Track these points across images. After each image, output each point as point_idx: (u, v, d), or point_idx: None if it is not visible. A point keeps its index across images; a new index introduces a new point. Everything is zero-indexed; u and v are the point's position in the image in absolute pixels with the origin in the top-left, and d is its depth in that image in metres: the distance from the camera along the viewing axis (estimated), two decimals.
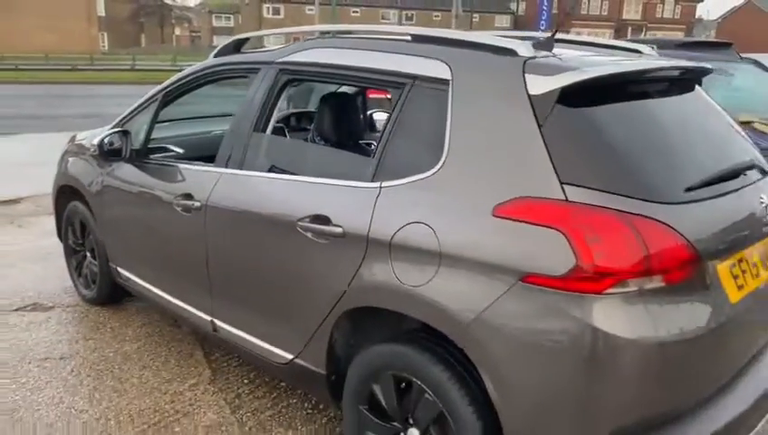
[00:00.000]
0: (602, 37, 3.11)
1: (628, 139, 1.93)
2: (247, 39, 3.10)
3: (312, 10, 59.67)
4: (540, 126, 1.86)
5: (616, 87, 2.00)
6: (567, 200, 1.76)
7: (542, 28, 19.05)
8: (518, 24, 77.46)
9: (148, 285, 3.31)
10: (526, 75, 1.93)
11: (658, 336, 1.70)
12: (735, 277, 1.97)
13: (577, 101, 1.88)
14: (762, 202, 2.07)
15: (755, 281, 2.05)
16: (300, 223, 2.31)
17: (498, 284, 1.80)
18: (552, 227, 1.74)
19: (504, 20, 73.18)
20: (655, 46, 2.92)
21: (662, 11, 73.91)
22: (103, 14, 58.23)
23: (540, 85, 1.89)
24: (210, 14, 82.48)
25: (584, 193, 1.77)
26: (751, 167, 2.17)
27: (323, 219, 2.24)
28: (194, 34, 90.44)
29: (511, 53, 2.03)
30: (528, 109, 1.88)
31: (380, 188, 2.14)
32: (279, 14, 61.37)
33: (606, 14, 71.60)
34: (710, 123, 2.34)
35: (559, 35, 2.33)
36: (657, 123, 2.08)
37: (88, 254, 3.90)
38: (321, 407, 2.88)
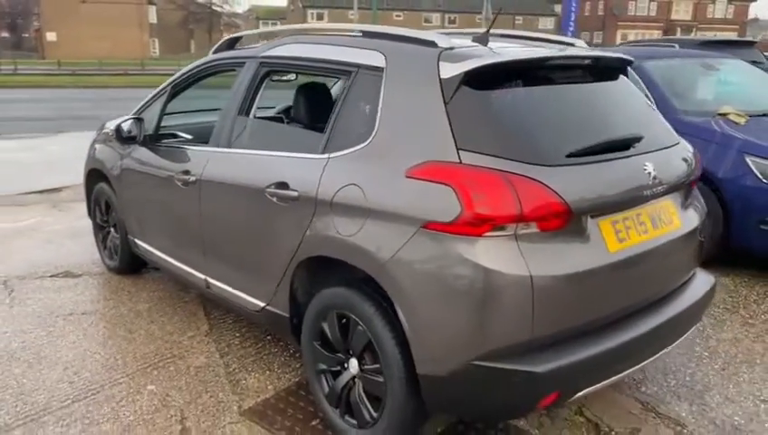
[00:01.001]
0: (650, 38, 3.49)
1: (518, 114, 2.32)
2: (240, 37, 3.59)
3: (353, 15, 61.00)
4: (446, 103, 2.26)
5: (513, 71, 2.38)
6: (460, 163, 2.17)
7: (569, 32, 18.94)
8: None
9: (157, 253, 3.82)
10: (440, 63, 2.35)
11: (531, 272, 2.08)
12: (618, 232, 2.33)
13: (477, 83, 2.28)
14: (645, 170, 2.42)
15: (641, 237, 2.41)
16: (267, 190, 2.77)
17: (407, 231, 2.21)
18: (445, 184, 2.14)
19: (549, 22, 72.59)
20: (677, 44, 3.29)
21: (713, 11, 72.12)
22: (155, 21, 60.51)
23: (448, 70, 2.30)
24: (258, 21, 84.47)
25: (475, 157, 2.16)
26: (638, 139, 2.51)
27: (284, 185, 2.70)
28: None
29: (432, 44, 2.45)
30: (438, 90, 2.29)
31: (328, 158, 2.58)
32: (323, 19, 62.49)
33: (654, 14, 70.32)
34: (617, 104, 2.70)
35: (506, 31, 2.80)
36: (553, 101, 2.46)
37: (111, 229, 4.45)
38: (297, 355, 3.33)
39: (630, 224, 2.39)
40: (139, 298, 4.09)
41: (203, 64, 3.58)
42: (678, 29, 67.52)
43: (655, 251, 2.46)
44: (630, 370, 2.47)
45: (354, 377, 2.56)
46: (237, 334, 3.59)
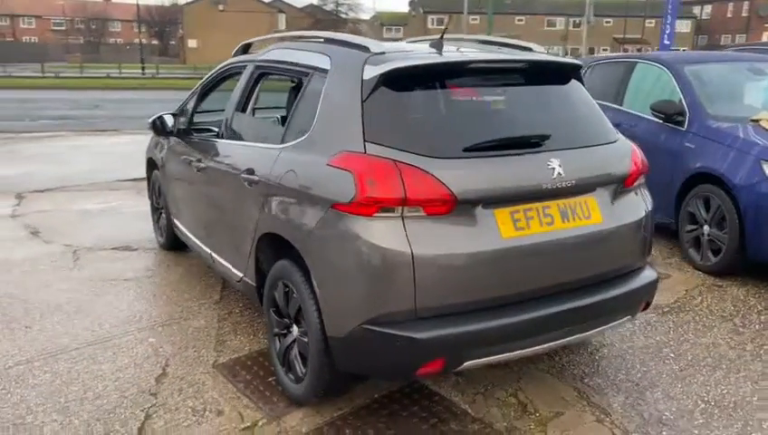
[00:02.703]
0: None
1: (422, 111, 2.61)
2: (252, 43, 4.09)
3: (475, 20, 60.91)
4: (363, 101, 2.60)
5: (425, 74, 2.67)
6: (364, 153, 2.49)
7: (666, 40, 17.88)
8: (701, 28, 71.97)
9: (185, 231, 4.42)
10: (365, 66, 2.68)
11: (413, 250, 2.36)
12: (516, 221, 2.55)
13: (391, 84, 2.59)
14: (549, 166, 2.60)
15: (545, 228, 2.60)
16: (241, 175, 3.22)
17: (321, 210, 2.57)
18: (348, 170, 2.48)
19: (685, 25, 68.40)
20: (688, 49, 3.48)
21: None
22: (284, 28, 63.95)
23: (369, 72, 2.63)
24: (381, 27, 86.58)
25: (378, 148, 2.48)
26: (544, 137, 2.69)
27: (251, 171, 3.14)
28: None
29: (366, 50, 2.79)
30: (359, 89, 2.63)
31: (281, 148, 2.99)
32: (443, 24, 62.94)
33: None
34: (543, 105, 2.89)
35: (482, 37, 3.11)
36: (460, 101, 2.72)
37: (162, 211, 5.13)
38: None
39: (533, 215, 2.59)
40: (174, 271, 4.71)
41: (221, 68, 4.12)
42: None
43: (563, 242, 2.63)
44: (533, 349, 2.67)
45: (294, 339, 2.94)
46: (240, 304, 4.08)
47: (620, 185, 2.89)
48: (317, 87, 2.92)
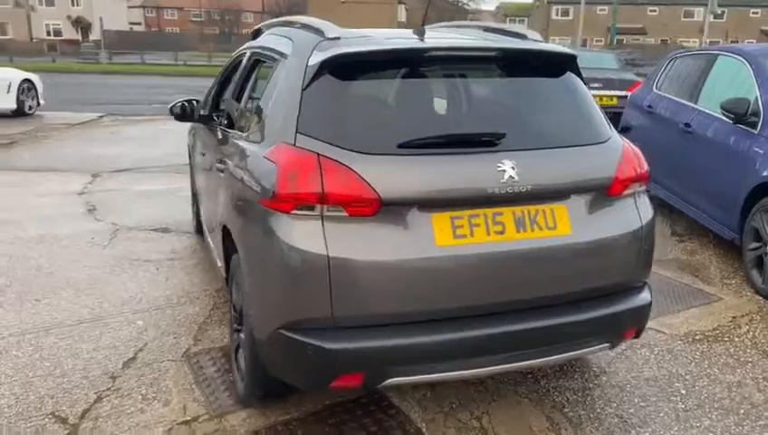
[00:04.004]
0: None
1: (358, 103, 2.39)
2: (261, 28, 4.01)
3: (603, 10, 57.84)
4: (303, 90, 2.42)
5: (373, 62, 2.43)
6: (294, 145, 2.32)
7: None
8: None
9: (203, 217, 4.45)
10: (313, 52, 2.50)
11: (329, 252, 2.17)
12: (457, 228, 2.27)
13: (333, 72, 2.39)
14: (499, 168, 2.28)
15: (493, 237, 2.30)
16: (215, 165, 3.16)
17: (251, 204, 2.44)
18: (275, 163, 2.32)
19: None
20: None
21: None
22: (403, 20, 64.23)
23: (314, 58, 2.45)
24: (505, 18, 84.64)
25: (308, 141, 2.30)
26: (497, 136, 2.36)
27: (222, 161, 3.07)
28: None
29: (320, 33, 2.60)
30: (302, 76, 2.46)
31: (244, 137, 2.88)
32: (568, 15, 60.42)
33: None
34: (516, 100, 2.56)
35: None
36: (406, 93, 2.46)
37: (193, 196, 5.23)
38: None
39: (479, 222, 2.30)
40: (195, 255, 4.78)
41: (234, 56, 4.08)
42: None
43: (516, 254, 2.32)
44: (471, 372, 2.39)
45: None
46: None
47: (602, 193, 2.51)
48: (277, 73, 2.78)
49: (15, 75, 12.51)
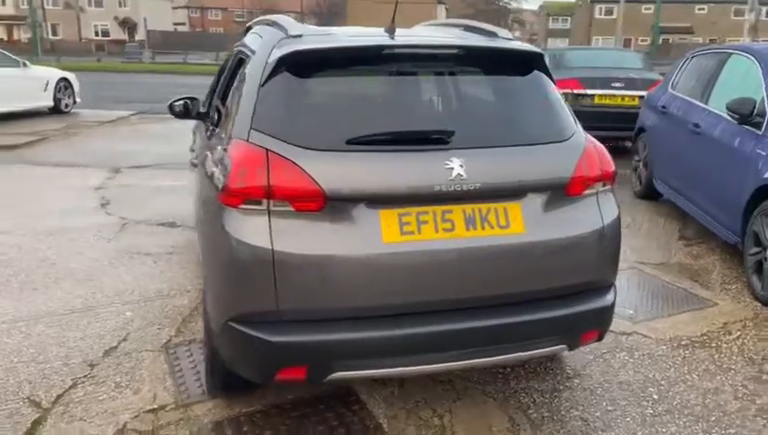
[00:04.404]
0: None
1: (307, 99, 2.41)
2: (251, 26, 4.07)
3: (648, 9, 56.45)
4: (260, 86, 2.46)
5: (327, 59, 2.46)
6: (247, 141, 2.36)
7: None
8: None
9: None
10: (273, 49, 2.54)
11: (274, 247, 2.20)
12: (405, 224, 2.28)
13: (288, 69, 2.42)
14: (446, 166, 2.28)
15: (442, 235, 2.30)
16: (192, 160, 3.23)
17: (212, 198, 2.49)
18: (230, 158, 2.37)
19: None
20: None
21: None
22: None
23: (273, 55, 2.49)
24: (548, 17, 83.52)
25: (260, 136, 2.34)
26: (445, 134, 2.35)
27: (196, 157, 3.14)
28: (533, 37, 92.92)
29: (285, 31, 2.64)
30: (261, 73, 2.49)
31: (214, 133, 2.95)
32: (611, 14, 59.19)
33: None
34: (472, 98, 2.55)
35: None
36: (357, 89, 2.47)
37: None
38: None
39: (428, 219, 2.30)
40: (194, 250, 4.87)
41: (229, 54, 4.15)
42: None
43: (464, 252, 2.32)
44: (419, 368, 2.39)
45: None
46: None
47: (560, 192, 2.48)
48: (245, 70, 2.83)
49: (53, 74, 12.95)
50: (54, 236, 5.10)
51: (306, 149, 2.25)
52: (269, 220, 2.24)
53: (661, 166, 5.99)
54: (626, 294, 4.12)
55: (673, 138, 5.66)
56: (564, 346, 2.56)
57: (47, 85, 12.55)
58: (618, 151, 7.79)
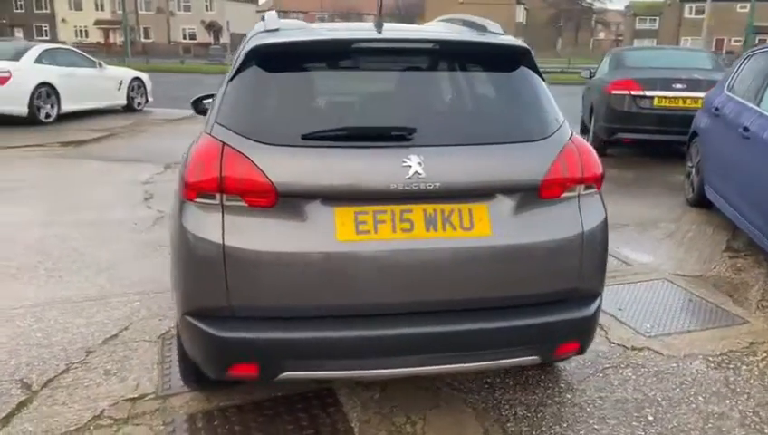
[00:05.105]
0: None
1: (268, 93, 2.37)
2: None
3: (744, 8, 53.25)
4: (229, 81, 2.45)
5: (296, 53, 2.41)
6: (210, 135, 2.36)
7: None
8: None
9: None
10: (248, 43, 2.53)
11: (225, 241, 2.18)
12: (360, 223, 2.21)
13: (256, 63, 2.40)
14: (404, 164, 2.18)
15: (400, 235, 2.21)
16: None
17: (177, 190, 2.50)
18: (190, 153, 2.38)
19: None
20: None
21: None
22: (521, 20, 62.86)
23: (246, 48, 2.48)
24: (634, 17, 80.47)
25: (221, 130, 2.33)
26: (405, 131, 2.25)
27: None
28: (618, 38, 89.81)
29: (262, 27, 2.62)
30: (233, 67, 2.49)
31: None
32: (702, 13, 56.29)
33: None
34: (444, 94, 2.44)
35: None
36: (328, 85, 2.39)
37: None
38: None
39: (385, 219, 2.22)
40: None
41: None
42: None
43: (423, 254, 2.22)
44: (374, 372, 2.32)
45: None
46: None
47: (533, 194, 2.33)
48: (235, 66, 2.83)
49: (127, 74, 13.63)
50: (92, 226, 5.33)
51: (260, 143, 2.22)
52: (222, 215, 2.22)
53: (711, 172, 5.60)
54: (648, 306, 3.86)
55: (722, 142, 5.28)
56: (537, 357, 2.41)
57: (121, 84, 13.22)
58: (679, 156, 7.37)
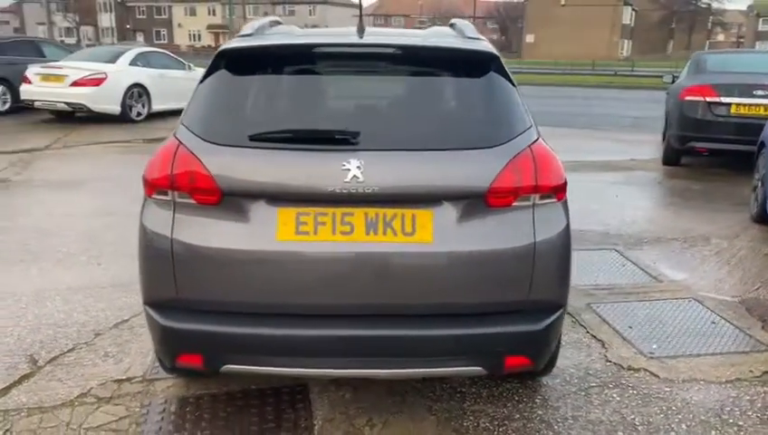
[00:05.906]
0: None
1: (223, 94, 2.47)
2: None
3: None
4: (199, 83, 2.57)
5: (256, 57, 2.50)
6: (174, 136, 2.49)
7: None
8: None
9: None
10: (222, 46, 2.64)
11: (174, 235, 2.31)
12: (301, 224, 2.26)
13: (224, 66, 2.51)
14: (343, 167, 2.20)
15: (339, 237, 2.24)
16: None
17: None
18: (156, 153, 2.51)
19: None
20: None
21: None
22: (628, 22, 60.16)
23: (219, 50, 2.59)
24: (757, 18, 75.05)
25: (183, 132, 2.45)
26: (347, 134, 2.27)
27: None
28: (739, 40, 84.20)
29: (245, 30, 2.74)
30: (206, 70, 2.61)
31: None
32: None
33: None
34: (399, 99, 2.44)
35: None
36: (285, 89, 2.47)
37: None
38: None
39: (326, 221, 2.26)
40: None
41: None
42: None
43: (360, 258, 2.24)
44: (312, 371, 2.39)
45: None
46: None
47: (480, 202, 2.28)
48: None
49: None
50: (118, 224, 5.60)
51: (210, 143, 2.33)
52: (173, 211, 2.34)
53: None
54: (662, 326, 3.64)
55: None
56: (481, 368, 2.35)
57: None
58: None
